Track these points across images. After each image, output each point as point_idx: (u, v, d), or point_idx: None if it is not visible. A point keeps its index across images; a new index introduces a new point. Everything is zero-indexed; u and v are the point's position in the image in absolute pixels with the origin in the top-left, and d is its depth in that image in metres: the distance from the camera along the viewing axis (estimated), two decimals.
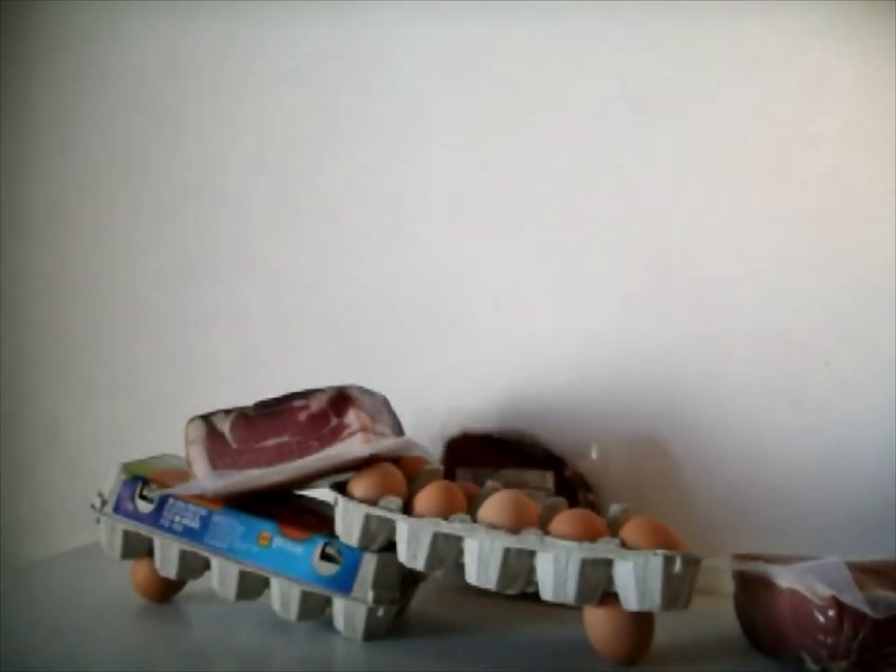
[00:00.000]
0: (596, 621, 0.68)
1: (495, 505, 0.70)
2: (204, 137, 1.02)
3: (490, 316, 0.93)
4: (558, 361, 0.90)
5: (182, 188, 1.03)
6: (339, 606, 0.72)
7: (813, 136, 0.84)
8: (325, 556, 0.73)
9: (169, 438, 0.80)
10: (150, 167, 1.03)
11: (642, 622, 0.68)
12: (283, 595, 0.73)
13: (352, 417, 0.74)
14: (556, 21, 0.89)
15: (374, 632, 0.72)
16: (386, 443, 0.73)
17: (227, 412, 0.76)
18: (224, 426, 0.76)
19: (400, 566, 0.72)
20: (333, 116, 0.98)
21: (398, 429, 0.78)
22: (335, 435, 0.74)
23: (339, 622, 0.72)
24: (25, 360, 1.07)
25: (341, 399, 0.76)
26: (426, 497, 0.72)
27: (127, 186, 1.04)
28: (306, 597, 0.72)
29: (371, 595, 0.71)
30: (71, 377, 1.06)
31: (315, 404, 0.75)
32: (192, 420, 0.77)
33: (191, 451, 0.75)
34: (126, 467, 0.79)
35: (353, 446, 0.73)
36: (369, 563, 0.72)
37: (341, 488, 0.74)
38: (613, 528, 0.70)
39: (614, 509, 0.72)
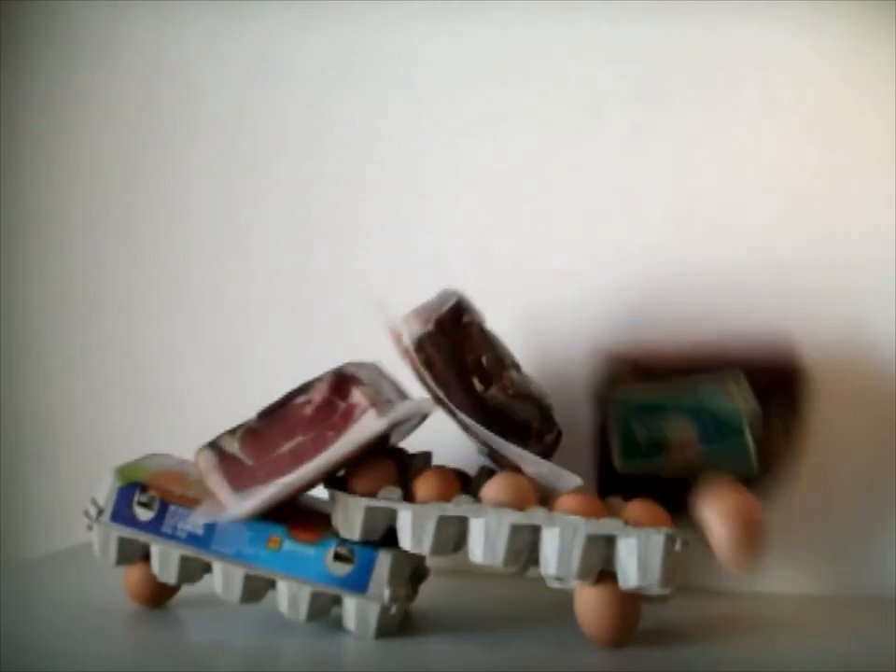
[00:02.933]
0: (588, 601, 0.71)
1: (496, 486, 0.71)
2: (206, 138, 0.99)
3: None
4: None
5: (182, 187, 1.00)
6: (350, 605, 0.71)
7: (812, 137, 0.86)
8: (338, 557, 0.72)
9: (166, 437, 0.80)
10: (151, 166, 1.01)
11: (630, 605, 0.70)
12: (292, 596, 0.72)
13: (358, 396, 0.71)
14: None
15: (386, 629, 0.72)
16: (399, 411, 0.71)
17: (231, 431, 0.73)
18: (233, 446, 0.73)
19: (410, 562, 0.73)
20: (330, 121, 0.96)
21: (399, 391, 0.77)
22: (347, 419, 0.71)
23: (350, 621, 0.72)
24: (22, 359, 1.04)
25: (341, 381, 0.72)
26: (424, 484, 0.72)
27: (127, 185, 1.01)
28: (315, 598, 0.72)
29: (387, 592, 0.71)
30: (67, 378, 1.03)
31: (317, 395, 0.72)
32: (200, 450, 0.73)
33: (210, 480, 0.73)
34: (120, 472, 0.77)
35: (368, 423, 0.71)
36: (384, 561, 0.72)
37: (336, 485, 0.73)
38: (611, 509, 0.72)
39: None
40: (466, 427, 0.73)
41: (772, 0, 0.85)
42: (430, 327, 0.72)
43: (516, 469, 0.73)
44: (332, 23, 0.95)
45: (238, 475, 0.72)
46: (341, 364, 0.74)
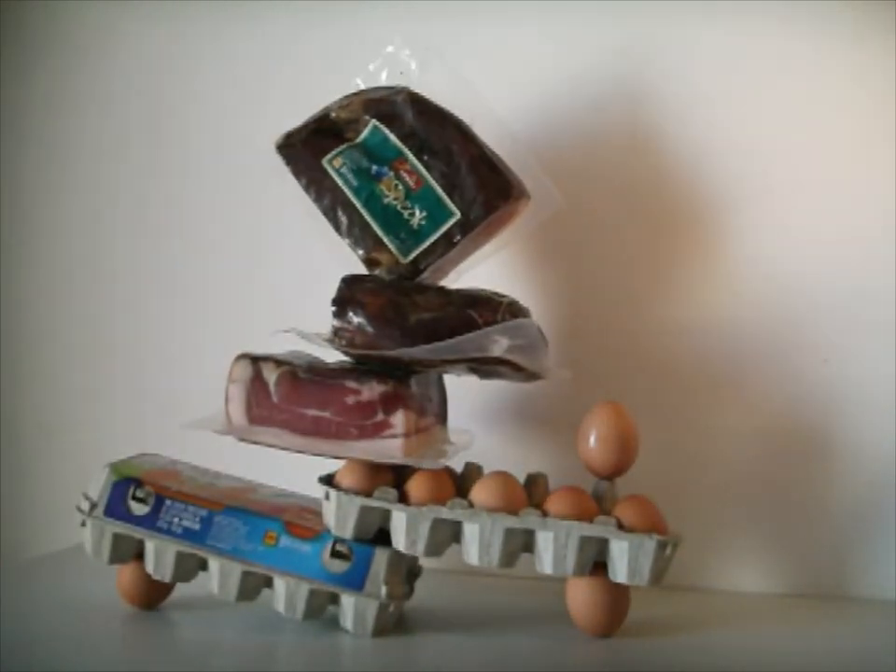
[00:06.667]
0: (579, 592, 0.72)
1: (487, 488, 0.72)
2: (208, 136, 0.99)
3: None
4: None
5: (184, 187, 1.00)
6: (348, 603, 0.72)
7: (811, 138, 0.86)
8: (335, 554, 0.72)
9: (166, 437, 0.78)
10: (153, 165, 1.01)
11: (621, 596, 0.72)
12: (289, 594, 0.72)
13: (399, 419, 0.71)
14: None
15: (383, 628, 0.72)
16: (418, 461, 0.72)
17: (277, 362, 0.74)
18: (270, 376, 0.73)
19: (406, 559, 0.73)
20: None
21: (443, 407, 0.80)
22: (376, 431, 0.71)
23: (347, 619, 0.72)
24: (23, 358, 1.04)
25: (393, 395, 0.72)
26: (418, 485, 0.73)
27: (127, 185, 1.01)
28: (312, 596, 0.72)
29: (384, 590, 0.71)
30: (67, 377, 1.03)
31: (367, 393, 0.72)
32: (240, 358, 0.74)
33: (231, 389, 0.73)
34: (115, 467, 0.77)
35: (388, 448, 0.71)
36: (380, 558, 0.72)
37: (328, 481, 0.74)
38: (601, 503, 0.73)
39: (601, 485, 0.74)
40: (431, 364, 0.73)
41: (772, 0, 0.86)
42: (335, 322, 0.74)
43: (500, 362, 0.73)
44: (332, 22, 0.95)
45: (259, 402, 0.73)
46: (405, 377, 0.73)
